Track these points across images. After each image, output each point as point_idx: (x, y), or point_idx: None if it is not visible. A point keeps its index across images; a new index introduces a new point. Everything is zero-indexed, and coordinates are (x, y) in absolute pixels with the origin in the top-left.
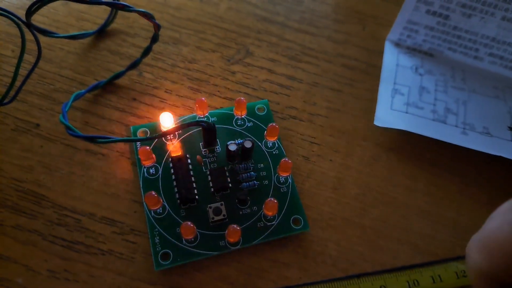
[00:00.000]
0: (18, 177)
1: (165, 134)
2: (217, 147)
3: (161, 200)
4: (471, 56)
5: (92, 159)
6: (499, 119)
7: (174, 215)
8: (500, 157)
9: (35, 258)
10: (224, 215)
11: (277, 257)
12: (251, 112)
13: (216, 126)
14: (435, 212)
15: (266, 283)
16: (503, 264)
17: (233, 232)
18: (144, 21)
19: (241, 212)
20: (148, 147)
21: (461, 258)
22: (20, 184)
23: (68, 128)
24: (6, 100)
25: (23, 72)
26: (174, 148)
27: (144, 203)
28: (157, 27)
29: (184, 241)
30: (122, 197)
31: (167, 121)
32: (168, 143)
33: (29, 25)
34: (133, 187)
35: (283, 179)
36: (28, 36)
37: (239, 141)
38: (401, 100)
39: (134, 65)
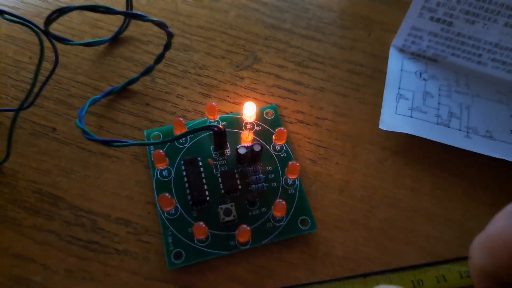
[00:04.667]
0: (35, 179)
1: (177, 138)
2: (227, 150)
3: (174, 202)
4: (474, 62)
5: (107, 162)
6: (502, 123)
7: (186, 216)
8: (503, 160)
9: (52, 258)
10: (234, 216)
11: (285, 257)
12: (259, 116)
13: (226, 130)
14: (440, 214)
15: (274, 282)
16: (506, 265)
17: (244, 232)
18: (156, 29)
19: (250, 213)
20: (161, 151)
21: (465, 258)
22: (37, 186)
23: (84, 132)
24: (24, 105)
25: (39, 78)
26: (186, 151)
27: (158, 205)
28: (170, 35)
29: (196, 241)
30: (136, 198)
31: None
32: (180, 146)
33: (47, 33)
34: (146, 189)
35: (291, 182)
36: (45, 43)
37: (248, 145)
38: (406, 104)
39: (147, 71)
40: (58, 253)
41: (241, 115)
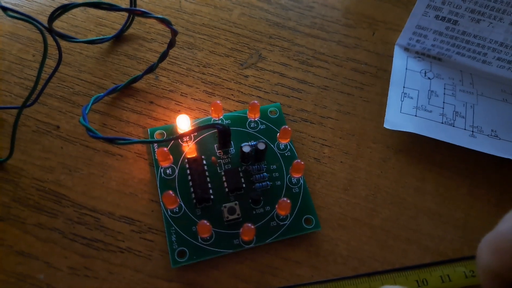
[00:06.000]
0: (39, 177)
1: (182, 136)
2: (231, 148)
3: (178, 200)
4: (479, 61)
5: (111, 160)
6: (507, 122)
7: (190, 214)
8: (508, 159)
9: (56, 255)
10: (238, 215)
11: (289, 255)
12: (264, 115)
13: (230, 128)
14: (444, 213)
15: (278, 281)
16: None
17: (248, 231)
18: (160, 27)
19: (254, 212)
20: (165, 148)
21: (469, 258)
22: (41, 184)
23: (88, 130)
24: (28, 103)
25: (43, 75)
26: (190, 149)
27: (162, 203)
28: (174, 33)
29: (200, 239)
30: (140, 196)
31: (184, 123)
32: (184, 144)
33: (51, 31)
34: (150, 187)
35: (295, 180)
36: (49, 41)
37: (252, 143)
38: (411, 103)
39: (150, 69)
40: (61, 250)
41: (246, 114)
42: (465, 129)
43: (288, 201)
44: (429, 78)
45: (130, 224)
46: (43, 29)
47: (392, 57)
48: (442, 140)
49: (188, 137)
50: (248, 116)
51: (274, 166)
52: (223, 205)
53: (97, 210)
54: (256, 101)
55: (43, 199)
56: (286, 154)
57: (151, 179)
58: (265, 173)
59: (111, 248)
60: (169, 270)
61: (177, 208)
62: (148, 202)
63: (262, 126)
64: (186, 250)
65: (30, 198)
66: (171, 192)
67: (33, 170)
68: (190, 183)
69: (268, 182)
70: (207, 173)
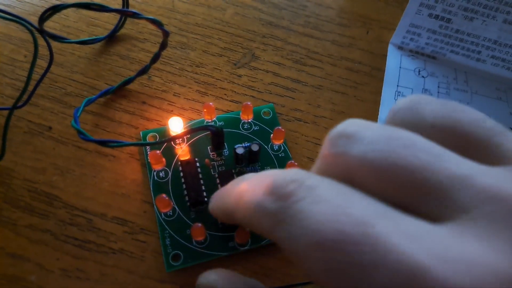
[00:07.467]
0: (31, 178)
1: (174, 138)
2: (225, 150)
3: (172, 203)
4: (473, 59)
5: (103, 161)
6: (501, 120)
7: (184, 217)
8: None
9: (48, 257)
10: None
11: (283, 256)
12: (257, 116)
13: (223, 130)
14: None
15: (273, 282)
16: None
17: (243, 233)
18: (153, 27)
19: None
20: (158, 151)
21: None
22: (33, 185)
23: (80, 132)
24: (19, 104)
25: (35, 76)
26: (183, 152)
27: (155, 206)
28: (166, 34)
29: (194, 243)
30: (132, 197)
31: (176, 125)
32: (176, 147)
33: (42, 31)
34: (143, 188)
35: None
36: (40, 41)
37: (246, 145)
38: None
39: (143, 71)
40: (53, 252)
41: (239, 115)
42: None
43: None
44: (423, 76)
45: (123, 225)
46: (33, 29)
47: (386, 56)
48: None
49: (181, 139)
50: (241, 118)
51: (268, 168)
52: None
53: (89, 211)
54: (249, 102)
55: (35, 201)
56: (280, 155)
57: (143, 180)
58: None
59: (104, 249)
60: (162, 271)
61: (170, 211)
62: (141, 203)
63: (256, 128)
64: (181, 254)
65: (21, 200)
66: (164, 195)
67: (24, 171)
68: (184, 186)
69: None
70: (200, 176)
